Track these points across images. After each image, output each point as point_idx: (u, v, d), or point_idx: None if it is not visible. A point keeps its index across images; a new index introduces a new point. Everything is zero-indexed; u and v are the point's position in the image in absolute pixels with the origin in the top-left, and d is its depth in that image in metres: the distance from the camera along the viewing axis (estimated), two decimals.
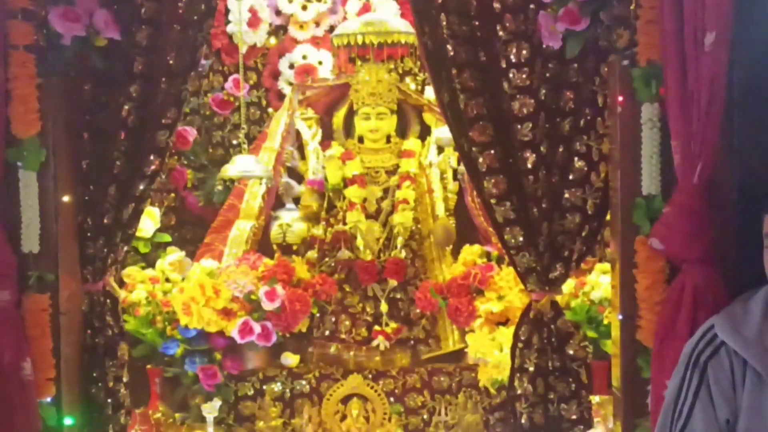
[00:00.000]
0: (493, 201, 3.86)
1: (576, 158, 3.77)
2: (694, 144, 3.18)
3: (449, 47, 3.80)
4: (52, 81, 3.64)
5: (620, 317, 3.53)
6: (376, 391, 5.13)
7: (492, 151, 3.83)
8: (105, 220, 3.86)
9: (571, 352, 3.97)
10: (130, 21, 3.76)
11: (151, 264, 5.36)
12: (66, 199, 3.71)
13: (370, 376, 5.17)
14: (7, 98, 3.53)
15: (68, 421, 3.66)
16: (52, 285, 3.64)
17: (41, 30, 3.57)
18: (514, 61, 3.76)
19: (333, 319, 5.42)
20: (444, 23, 3.77)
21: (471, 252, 5.33)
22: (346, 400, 5.14)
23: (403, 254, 5.44)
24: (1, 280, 3.51)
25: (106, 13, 3.63)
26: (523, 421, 3.96)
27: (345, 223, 5.49)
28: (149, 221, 5.54)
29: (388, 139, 5.60)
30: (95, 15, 3.61)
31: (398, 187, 5.51)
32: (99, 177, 3.86)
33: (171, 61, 3.88)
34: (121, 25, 3.70)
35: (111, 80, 3.83)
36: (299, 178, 5.68)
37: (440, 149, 5.51)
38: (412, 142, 5.62)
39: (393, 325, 5.35)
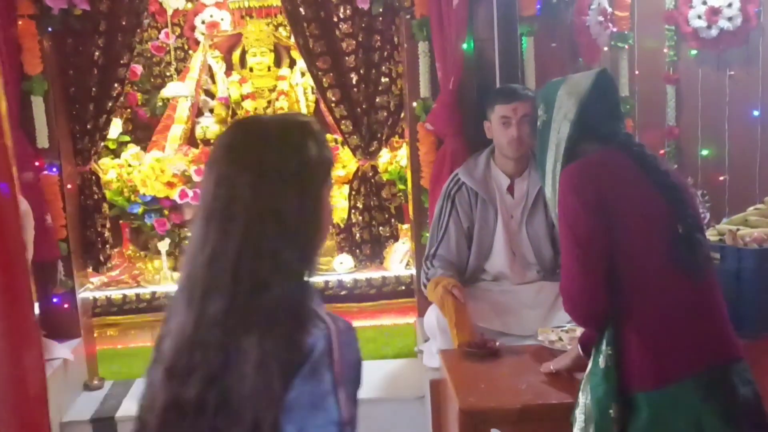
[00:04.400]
0: (333, 105, 4.04)
1: (382, 77, 3.98)
2: (449, 65, 3.40)
3: (301, 9, 3.91)
4: (47, 37, 3.66)
5: (411, 171, 3.72)
6: None
7: (331, 74, 3.99)
8: (87, 126, 3.93)
9: (384, 195, 4.21)
10: None
11: (118, 156, 5.43)
12: (62, 113, 3.76)
13: None
14: (19, 50, 3.57)
15: (72, 251, 3.78)
16: (58, 168, 3.71)
17: (38, 4, 3.58)
18: (342, 17, 3.93)
19: None
20: None
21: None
22: None
23: None
24: (27, 166, 3.58)
25: None
26: (357, 238, 4.25)
27: None
28: (114, 128, 5.63)
29: (269, 69, 5.72)
30: None
31: (276, 99, 5.60)
32: (82, 98, 3.91)
33: (123, 22, 3.92)
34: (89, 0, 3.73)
35: (85, 36, 3.86)
36: (212, 96, 5.77)
37: (303, 74, 5.66)
38: (284, 71, 5.72)
39: None
